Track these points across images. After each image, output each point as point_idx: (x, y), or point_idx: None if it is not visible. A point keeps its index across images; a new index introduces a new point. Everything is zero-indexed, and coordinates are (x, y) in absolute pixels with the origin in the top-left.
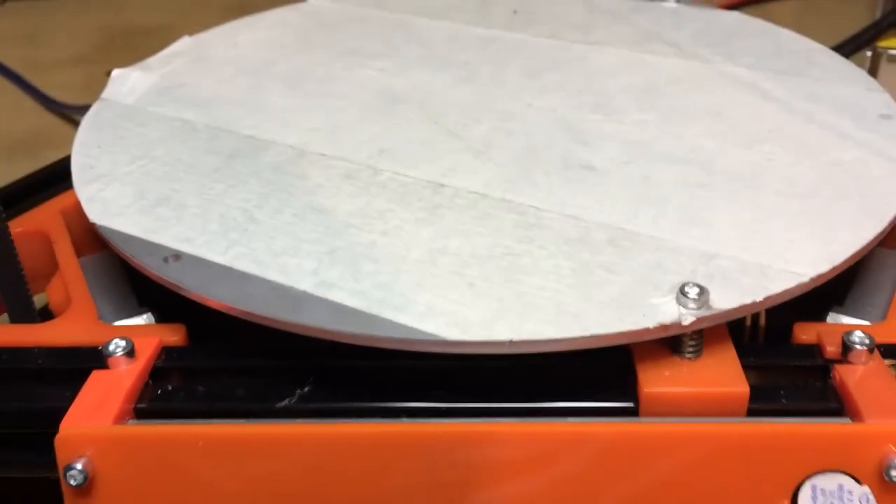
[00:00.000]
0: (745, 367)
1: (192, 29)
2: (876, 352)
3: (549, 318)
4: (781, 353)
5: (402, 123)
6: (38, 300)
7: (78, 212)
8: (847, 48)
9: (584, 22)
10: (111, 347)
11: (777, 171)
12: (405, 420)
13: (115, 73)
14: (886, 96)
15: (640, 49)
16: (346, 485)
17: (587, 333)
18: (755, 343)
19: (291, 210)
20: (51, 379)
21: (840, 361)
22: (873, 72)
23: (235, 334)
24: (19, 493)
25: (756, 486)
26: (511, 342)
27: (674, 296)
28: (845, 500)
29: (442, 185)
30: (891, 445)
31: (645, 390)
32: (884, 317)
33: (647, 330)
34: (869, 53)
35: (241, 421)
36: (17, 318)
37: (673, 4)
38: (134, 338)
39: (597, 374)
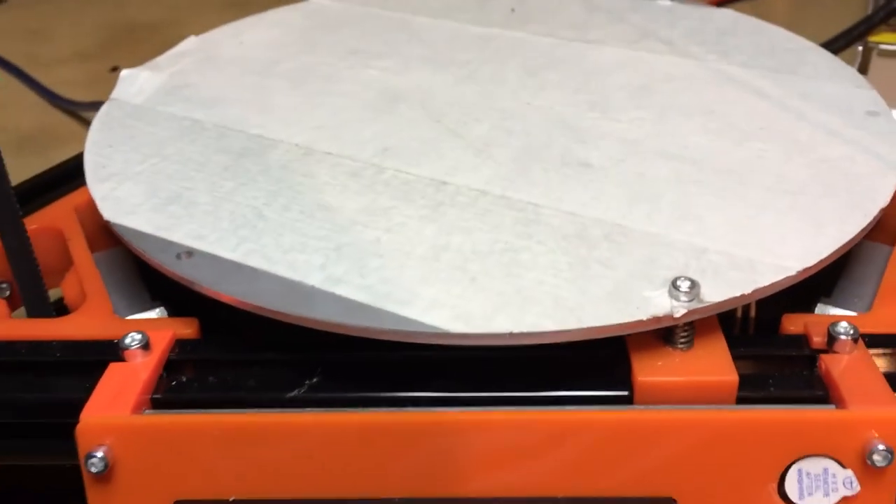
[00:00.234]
0: (735, 357)
1: (195, 24)
2: (860, 341)
3: (548, 311)
4: (770, 343)
5: (405, 122)
6: (52, 294)
7: (90, 209)
8: (839, 43)
9: (581, 20)
10: (127, 341)
11: (767, 168)
12: (410, 409)
13: (124, 73)
14: (874, 93)
15: (636, 47)
16: (354, 471)
17: (583, 325)
18: (745, 334)
19: (299, 207)
20: (69, 371)
21: (826, 351)
22: (864, 66)
23: (245, 327)
24: (40, 480)
25: (745, 470)
26: (511, 334)
27: (666, 289)
28: (830, 483)
29: (444, 183)
30: (873, 431)
31: (639, 379)
32: (869, 308)
33: (640, 322)
34: (860, 48)
35: (253, 410)
36: (33, 313)
37: (668, 2)
38: (149, 331)
39: (593, 364)
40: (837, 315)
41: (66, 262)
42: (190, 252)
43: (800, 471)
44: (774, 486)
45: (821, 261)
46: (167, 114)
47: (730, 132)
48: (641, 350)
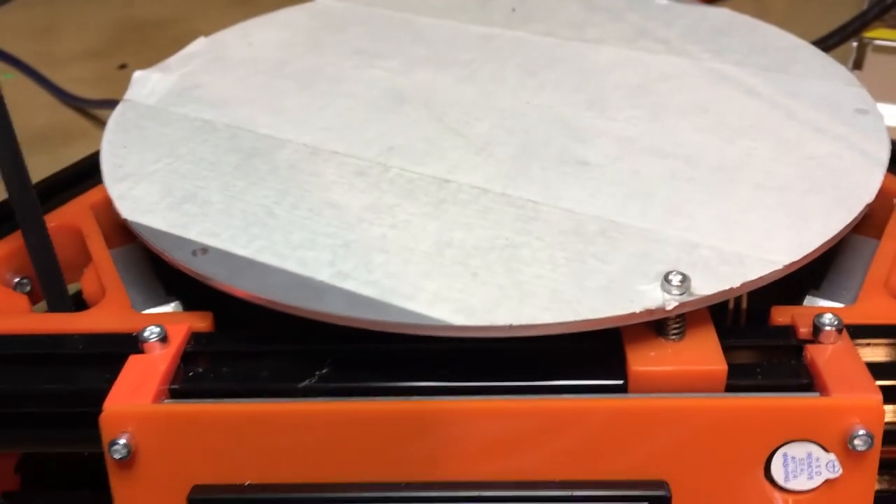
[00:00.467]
0: (725, 348)
1: (201, 21)
2: (844, 332)
3: (546, 304)
4: (758, 334)
5: (409, 122)
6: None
7: (106, 207)
8: (834, 39)
9: (580, 19)
10: (146, 334)
11: (757, 165)
12: (414, 398)
13: (136, 74)
14: (863, 91)
15: (633, 46)
16: (362, 456)
17: (580, 318)
18: (736, 325)
19: (307, 205)
20: (90, 363)
21: (812, 341)
22: (860, 62)
23: (258, 321)
24: (62, 467)
25: (733, 454)
26: (511, 326)
27: (659, 283)
28: (813, 467)
29: (446, 181)
30: (854, 417)
31: (633, 369)
32: (855, 300)
33: (634, 314)
34: (855, 44)
35: (266, 400)
36: (54, 307)
37: (665, 1)
38: (166, 325)
39: (589, 354)
40: (824, 307)
41: (84, 258)
42: (205, 249)
43: (785, 455)
44: (761, 469)
45: (806, 255)
46: (179, 114)
47: (722, 130)
48: (635, 341)
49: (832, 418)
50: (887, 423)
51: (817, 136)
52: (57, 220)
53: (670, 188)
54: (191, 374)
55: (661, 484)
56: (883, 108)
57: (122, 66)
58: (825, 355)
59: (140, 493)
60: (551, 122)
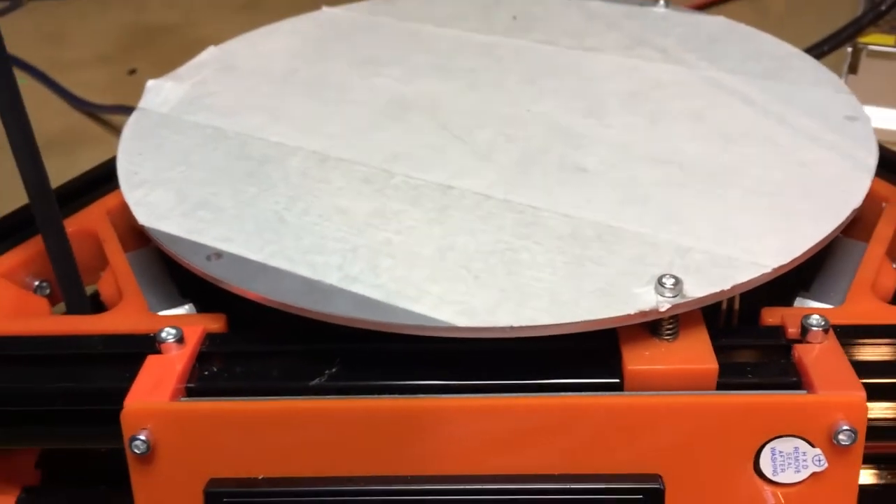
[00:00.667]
0: (716, 347)
1: (209, 27)
2: (831, 332)
3: (545, 306)
4: (749, 334)
5: (413, 129)
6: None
7: (121, 212)
8: (830, 44)
9: (578, 28)
10: (163, 335)
11: (749, 172)
12: (420, 396)
13: (150, 83)
14: (853, 98)
15: (630, 54)
16: (369, 451)
17: (577, 319)
18: (728, 325)
19: (317, 211)
20: (110, 363)
21: (800, 341)
22: (854, 66)
23: (269, 322)
24: (80, 463)
25: (724, 449)
26: (511, 328)
27: (653, 285)
28: (800, 461)
29: (450, 188)
30: (839, 413)
31: (629, 368)
32: (843, 301)
33: (629, 316)
34: (850, 49)
35: (278, 398)
36: (73, 309)
37: (662, 9)
38: (182, 326)
39: (586, 354)
40: (813, 308)
41: (100, 262)
42: (219, 254)
43: (773, 449)
44: (751, 463)
45: (794, 259)
46: (191, 122)
47: (715, 137)
48: (631, 341)
49: (818, 415)
50: (879, 420)
51: (808, 143)
52: (75, 225)
53: (665, 194)
54: (206, 373)
55: (655, 477)
56: (877, 111)
57: (132, 72)
58: (812, 355)
59: (159, 486)
60: (551, 129)
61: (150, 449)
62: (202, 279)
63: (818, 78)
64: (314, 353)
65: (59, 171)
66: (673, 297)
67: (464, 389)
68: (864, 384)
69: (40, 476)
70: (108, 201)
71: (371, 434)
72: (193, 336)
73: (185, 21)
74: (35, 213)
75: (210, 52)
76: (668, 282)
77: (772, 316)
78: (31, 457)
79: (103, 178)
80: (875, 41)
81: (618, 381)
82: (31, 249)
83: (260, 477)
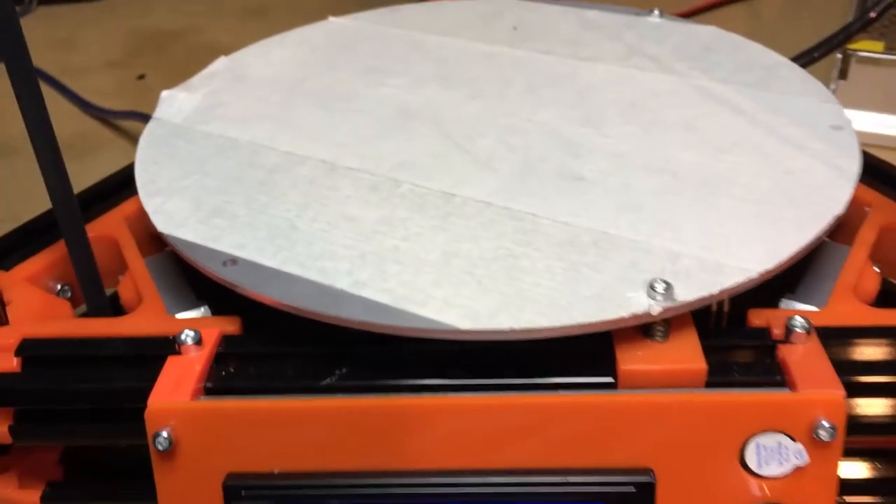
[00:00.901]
0: (705, 348)
1: (216, 32)
2: (814, 333)
3: (543, 310)
4: (736, 335)
5: (418, 138)
6: None
7: (138, 219)
8: (820, 50)
9: (576, 37)
10: (183, 337)
11: (738, 180)
12: (425, 395)
13: (164, 94)
14: (839, 108)
15: (626, 64)
16: (377, 447)
17: (574, 322)
18: (717, 326)
19: (326, 219)
20: (132, 364)
21: (784, 342)
22: (844, 72)
23: (282, 325)
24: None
25: (712, 444)
26: (512, 330)
27: (645, 290)
28: (783, 455)
29: (453, 196)
30: (820, 410)
31: (622, 368)
32: (826, 303)
33: (622, 319)
34: (840, 55)
35: (291, 396)
36: (94, 312)
37: (657, 19)
38: (199, 328)
39: (582, 355)
40: (797, 310)
41: (118, 266)
42: (234, 260)
43: (757, 444)
44: (736, 457)
45: (779, 264)
46: (204, 132)
47: (707, 146)
48: (624, 343)
49: (799, 412)
50: (863, 416)
51: (795, 152)
52: (95, 230)
53: (658, 202)
54: (223, 373)
55: (647, 471)
56: (865, 115)
57: (141, 77)
58: (795, 355)
59: (180, 480)
60: (550, 138)
61: (173, 445)
62: (218, 283)
63: (806, 88)
64: (325, 354)
65: (72, 176)
66: (664, 301)
67: (467, 388)
68: (846, 383)
69: (63, 471)
70: (125, 208)
71: (379, 430)
72: (211, 338)
73: (190, 27)
74: (59, 219)
75: (221, 62)
76: (660, 287)
77: (758, 318)
78: (55, 453)
79: (120, 186)
80: (864, 48)
81: (612, 380)
82: (53, 255)
83: (275, 471)
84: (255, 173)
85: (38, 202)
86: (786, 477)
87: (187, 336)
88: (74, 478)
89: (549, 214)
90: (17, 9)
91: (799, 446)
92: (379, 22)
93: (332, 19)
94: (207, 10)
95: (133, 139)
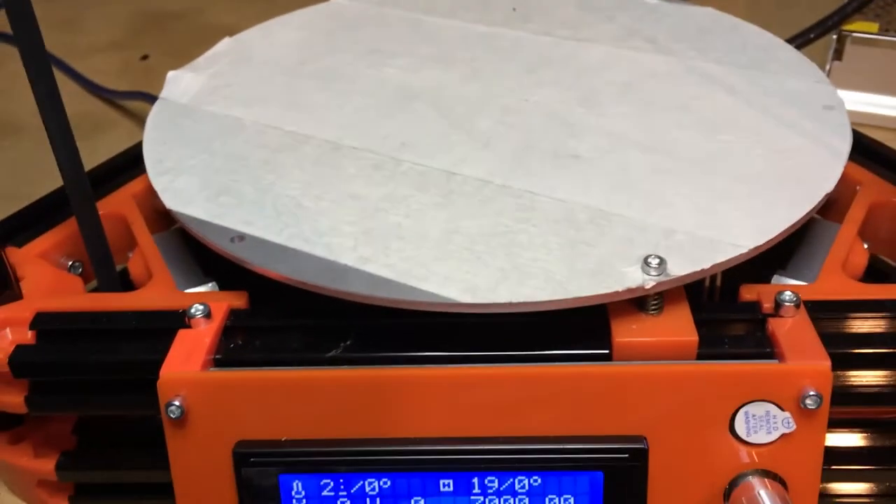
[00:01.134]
0: (697, 321)
1: (218, 12)
2: (802, 307)
3: (541, 284)
4: (727, 309)
5: (419, 118)
6: None
7: (146, 197)
8: (816, 31)
9: (574, 18)
10: (192, 311)
11: (731, 159)
12: (427, 366)
13: (170, 74)
14: (831, 88)
15: (623, 45)
16: (381, 416)
17: (570, 296)
18: (710, 300)
19: (331, 197)
20: (144, 337)
21: (773, 315)
22: (839, 52)
23: (288, 299)
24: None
25: (702, 412)
26: (511, 304)
27: (639, 265)
28: (771, 423)
29: (453, 174)
30: (806, 380)
31: (617, 340)
32: (816, 279)
33: (617, 293)
34: (835, 36)
35: (298, 368)
36: (105, 287)
37: (653, 0)
38: (208, 302)
39: (579, 327)
40: (788, 285)
41: (127, 243)
42: (242, 236)
43: (747, 413)
44: (726, 425)
45: (769, 240)
46: (210, 112)
47: (701, 126)
48: (619, 316)
49: (787, 382)
50: (849, 386)
51: (787, 132)
52: (104, 208)
53: (653, 180)
54: (232, 345)
55: (641, 438)
56: (860, 96)
57: (144, 57)
58: (784, 328)
59: (192, 447)
60: (547, 118)
61: (184, 414)
62: (225, 259)
63: (799, 68)
64: (330, 327)
65: (81, 156)
66: (657, 275)
67: (467, 360)
68: (832, 354)
69: (77, 441)
70: (133, 186)
71: (383, 400)
72: (219, 312)
73: (192, 7)
74: (70, 197)
75: (225, 44)
76: (654, 262)
77: (749, 292)
78: (68, 424)
79: (127, 165)
80: (859, 28)
81: (607, 352)
82: (64, 232)
83: (283, 439)
84: (261, 153)
85: (44, 180)
86: (774, 444)
87: (197, 310)
88: (87, 447)
89: (546, 192)
90: None
91: (787, 415)
92: (380, 3)
93: (333, 1)
94: None
95: (137, 119)
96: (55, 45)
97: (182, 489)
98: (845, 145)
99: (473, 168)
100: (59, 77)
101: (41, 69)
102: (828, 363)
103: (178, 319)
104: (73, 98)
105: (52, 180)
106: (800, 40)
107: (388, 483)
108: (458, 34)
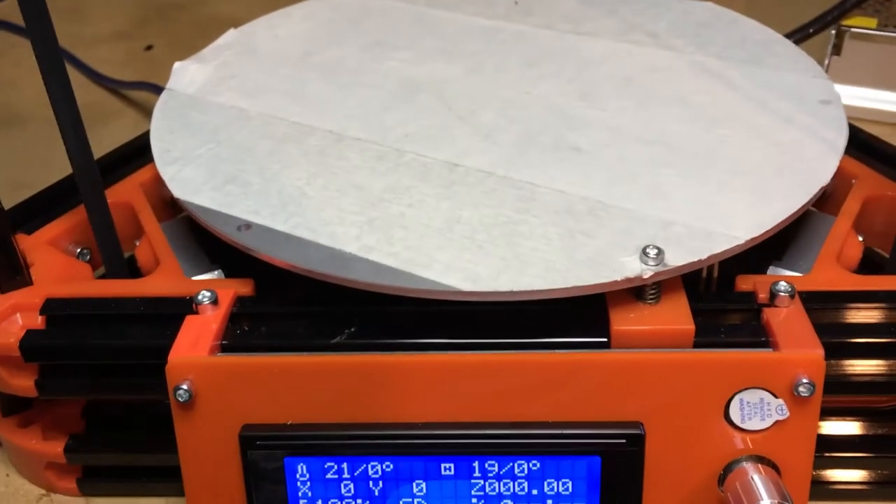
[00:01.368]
0: (694, 310)
1: (221, 3)
2: (797, 297)
3: (541, 274)
4: (723, 299)
5: (422, 110)
6: None
7: (153, 185)
8: (815, 26)
9: (575, 12)
10: (199, 297)
11: (728, 152)
12: (429, 352)
13: (177, 65)
14: (829, 83)
15: (624, 39)
16: (383, 401)
17: (570, 285)
18: (706, 291)
19: (335, 186)
20: (153, 322)
21: (768, 305)
22: (838, 47)
23: (292, 286)
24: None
25: (698, 399)
26: (511, 292)
27: (637, 255)
28: (765, 410)
29: (456, 165)
30: (800, 368)
31: (615, 328)
32: (810, 270)
33: (616, 282)
34: (834, 31)
35: (303, 353)
36: (113, 274)
37: None
38: (215, 289)
39: (578, 316)
40: (783, 275)
41: (134, 231)
42: (248, 225)
43: (741, 400)
44: (721, 412)
45: (765, 232)
46: (216, 103)
47: (700, 119)
48: (618, 305)
49: (781, 370)
50: (842, 375)
51: (784, 126)
52: (112, 197)
53: (651, 172)
54: (238, 331)
55: (638, 424)
56: (859, 90)
57: (149, 48)
58: (779, 317)
59: (199, 430)
60: (548, 110)
61: (192, 397)
62: (232, 247)
63: (797, 63)
64: (335, 314)
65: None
66: (655, 265)
67: (469, 347)
68: (826, 343)
69: (85, 424)
70: (140, 175)
71: (386, 385)
72: (226, 299)
73: None
74: (79, 185)
75: (230, 35)
76: (651, 252)
77: (745, 283)
78: (77, 407)
79: (135, 154)
80: (858, 24)
81: (605, 340)
82: (73, 219)
83: (288, 423)
84: (267, 143)
85: (50, 169)
86: (767, 430)
87: (204, 296)
88: (96, 430)
89: (547, 184)
90: None
91: (780, 402)
92: None
93: None
94: None
95: (142, 109)
96: (60, 35)
97: (189, 471)
98: (841, 139)
99: (475, 159)
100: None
101: (54, 61)
102: (821, 352)
103: (185, 306)
104: (78, 88)
105: (58, 169)
106: (799, 35)
107: (391, 466)
108: (460, 27)
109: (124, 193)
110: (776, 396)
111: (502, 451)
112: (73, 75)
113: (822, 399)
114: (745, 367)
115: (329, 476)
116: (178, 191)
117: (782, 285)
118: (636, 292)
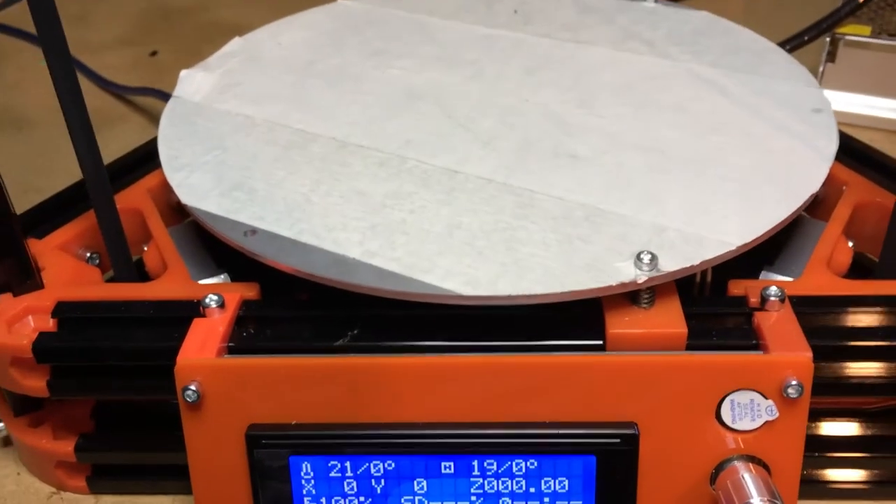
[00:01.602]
0: (687, 314)
1: (225, 9)
2: (787, 302)
3: (539, 278)
4: (715, 303)
5: (423, 118)
6: None
7: (160, 191)
8: (809, 34)
9: (574, 21)
10: (207, 301)
11: (722, 159)
12: (430, 355)
13: (183, 73)
14: (821, 92)
15: (621, 48)
16: (384, 401)
17: (567, 290)
18: (699, 295)
19: (338, 193)
20: (161, 325)
21: (759, 309)
22: (833, 55)
23: (297, 290)
24: (127, 412)
25: (690, 400)
26: (510, 296)
27: (632, 261)
28: (755, 411)
29: (456, 172)
30: (789, 371)
31: (610, 331)
32: (801, 275)
33: (611, 287)
34: (828, 39)
35: (308, 356)
36: (122, 278)
37: (651, 4)
38: (222, 293)
39: (574, 319)
40: (774, 280)
41: (142, 236)
42: (254, 230)
43: (732, 401)
44: (713, 412)
45: (756, 238)
46: (222, 111)
47: (695, 127)
48: (613, 309)
49: (770, 372)
50: (830, 377)
51: (777, 133)
52: (121, 202)
53: (647, 179)
54: (244, 334)
55: (632, 424)
56: (853, 98)
57: (153, 53)
58: (769, 321)
59: (207, 430)
60: (547, 118)
61: (200, 398)
62: (237, 252)
63: (790, 72)
64: (338, 317)
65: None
66: (649, 270)
67: (469, 350)
68: (815, 346)
69: (95, 424)
70: (148, 181)
71: (388, 386)
72: (232, 302)
73: (199, 4)
74: (90, 190)
75: (235, 43)
76: (646, 258)
77: (737, 287)
78: (87, 408)
79: (143, 160)
80: (852, 31)
81: (601, 342)
82: (82, 224)
83: (293, 422)
84: (272, 150)
85: (57, 173)
86: (758, 431)
87: (211, 300)
88: (105, 429)
89: (545, 190)
90: None
91: (770, 403)
92: (385, 4)
93: (340, 2)
94: None
95: (147, 115)
96: (69, 41)
97: (197, 470)
98: (832, 147)
99: (475, 166)
100: None
101: (64, 68)
102: (809, 355)
103: (193, 309)
104: (84, 93)
105: (64, 173)
106: (794, 42)
107: (393, 465)
108: (460, 35)
109: (133, 199)
110: (766, 397)
111: (501, 450)
112: (80, 81)
113: (814, 400)
114: (735, 369)
115: (333, 474)
116: (186, 197)
117: (773, 290)
118: (631, 296)
